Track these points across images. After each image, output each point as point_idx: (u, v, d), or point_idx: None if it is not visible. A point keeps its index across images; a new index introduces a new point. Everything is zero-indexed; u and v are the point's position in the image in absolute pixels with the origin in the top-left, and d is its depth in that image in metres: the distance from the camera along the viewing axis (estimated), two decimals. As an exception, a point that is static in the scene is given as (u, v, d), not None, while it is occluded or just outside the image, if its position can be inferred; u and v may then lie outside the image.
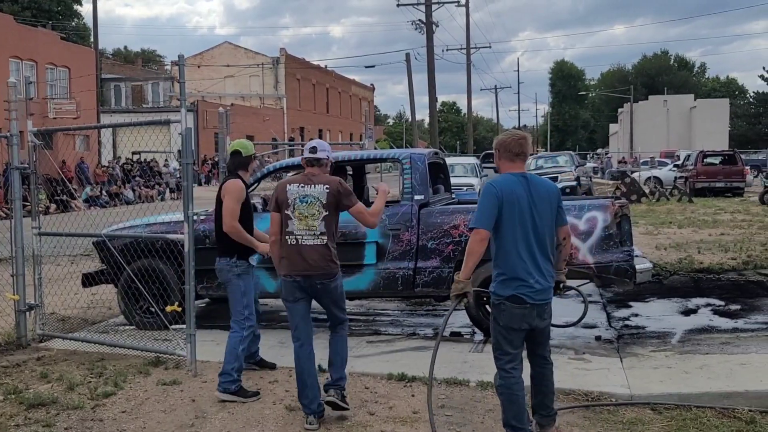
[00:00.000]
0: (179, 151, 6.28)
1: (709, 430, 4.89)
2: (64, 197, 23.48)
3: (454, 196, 8.98)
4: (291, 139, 51.04)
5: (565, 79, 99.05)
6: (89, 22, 44.06)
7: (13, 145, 7.28)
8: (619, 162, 48.67)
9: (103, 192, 29.76)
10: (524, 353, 4.55)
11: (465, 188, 23.36)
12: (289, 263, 5.06)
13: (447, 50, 64.23)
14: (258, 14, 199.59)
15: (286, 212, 5.05)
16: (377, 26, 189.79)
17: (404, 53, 43.42)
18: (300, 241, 5.02)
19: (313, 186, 5.07)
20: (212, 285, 7.63)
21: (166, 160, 36.03)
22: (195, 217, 6.39)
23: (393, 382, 6.02)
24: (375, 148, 30.53)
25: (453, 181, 23.71)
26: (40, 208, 8.05)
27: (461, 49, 48.85)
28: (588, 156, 61.93)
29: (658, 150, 51.30)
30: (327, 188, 5.04)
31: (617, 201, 7.06)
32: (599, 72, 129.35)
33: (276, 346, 7.20)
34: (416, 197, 7.28)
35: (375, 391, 5.79)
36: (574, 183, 23.82)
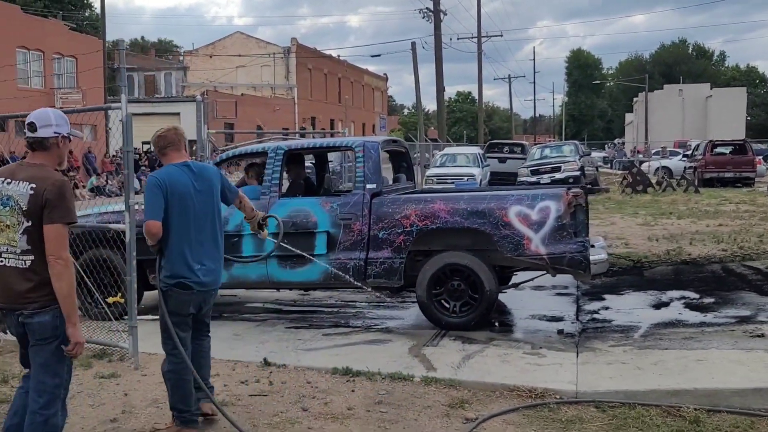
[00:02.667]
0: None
1: (650, 430, 4.69)
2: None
3: (423, 186, 8.74)
4: (302, 128, 50.85)
5: (581, 68, 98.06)
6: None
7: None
8: (632, 152, 48.11)
9: (109, 181, 29.83)
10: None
11: (466, 178, 23.09)
12: None
13: (458, 39, 63.27)
14: (276, 4, 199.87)
15: None
16: (393, 15, 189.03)
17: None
18: None
19: (16, 183, 3.63)
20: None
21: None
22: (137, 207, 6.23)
23: (337, 376, 5.86)
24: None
25: (454, 171, 23.53)
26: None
27: (472, 38, 48.40)
28: (606, 146, 61.34)
29: (672, 140, 50.70)
30: (32, 188, 3.58)
31: (572, 190, 6.80)
32: (617, 61, 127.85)
33: (229, 339, 7.07)
34: (368, 186, 7.07)
35: (316, 386, 5.64)
36: (577, 173, 23.12)
